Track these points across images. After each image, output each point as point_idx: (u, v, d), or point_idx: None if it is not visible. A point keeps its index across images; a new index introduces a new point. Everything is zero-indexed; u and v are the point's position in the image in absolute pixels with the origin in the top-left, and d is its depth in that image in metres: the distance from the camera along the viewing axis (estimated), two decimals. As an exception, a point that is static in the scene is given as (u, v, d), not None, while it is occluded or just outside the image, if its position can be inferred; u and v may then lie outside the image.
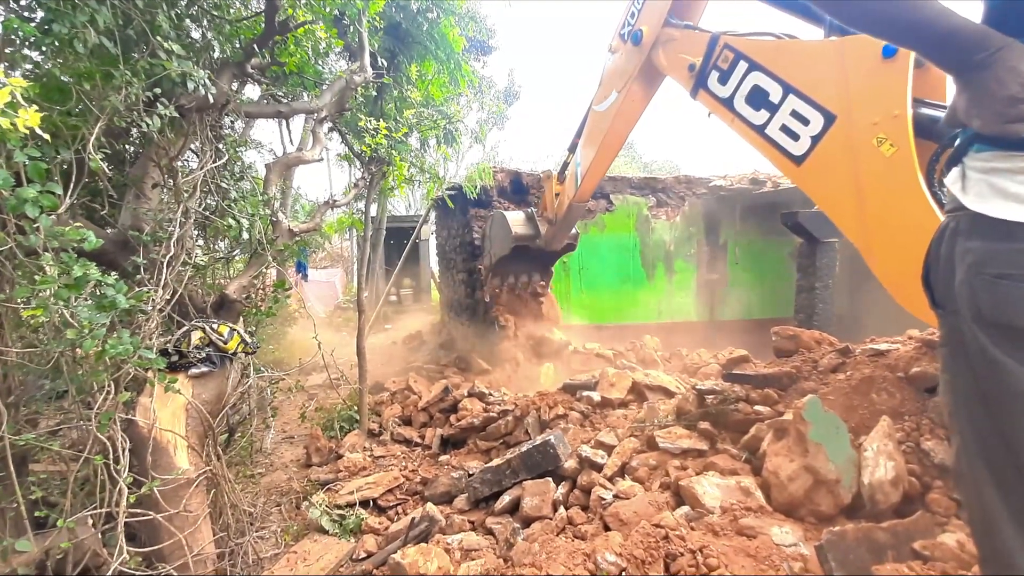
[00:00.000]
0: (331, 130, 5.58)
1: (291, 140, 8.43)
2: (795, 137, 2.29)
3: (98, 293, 2.07)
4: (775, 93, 2.36)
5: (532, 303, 6.49)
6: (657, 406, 3.35)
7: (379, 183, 5.29)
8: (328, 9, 3.91)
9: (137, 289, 2.30)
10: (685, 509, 2.32)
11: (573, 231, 5.54)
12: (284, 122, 7.81)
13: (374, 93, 5.00)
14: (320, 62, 4.82)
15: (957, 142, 0.94)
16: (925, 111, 1.93)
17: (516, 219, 5.73)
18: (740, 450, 2.62)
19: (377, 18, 4.75)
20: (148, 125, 2.37)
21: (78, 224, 1.79)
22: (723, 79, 2.61)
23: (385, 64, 4.72)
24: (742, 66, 2.51)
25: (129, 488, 2.20)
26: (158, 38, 2.35)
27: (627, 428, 3.24)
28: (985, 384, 0.85)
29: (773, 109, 2.37)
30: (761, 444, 2.49)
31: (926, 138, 1.91)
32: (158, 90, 2.38)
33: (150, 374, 2.41)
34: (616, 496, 2.61)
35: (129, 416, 2.50)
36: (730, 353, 4.88)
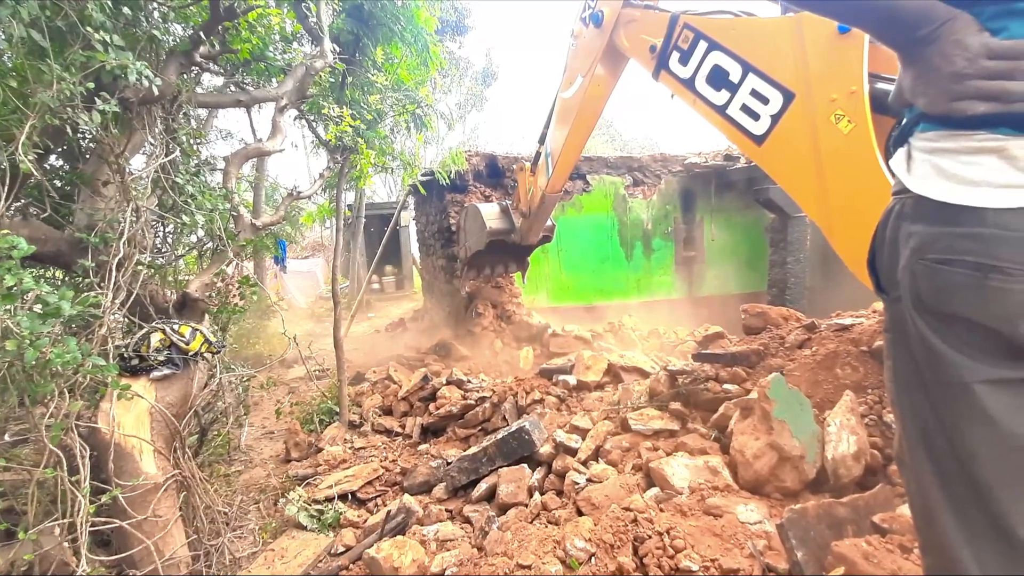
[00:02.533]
0: (297, 118, 5.43)
1: (253, 130, 8.23)
2: (755, 117, 2.26)
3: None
4: (735, 72, 2.33)
5: (504, 285, 6.47)
6: (631, 388, 3.37)
7: (348, 172, 5.17)
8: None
9: (84, 294, 2.21)
10: (655, 491, 2.34)
11: (549, 222, 5.40)
12: (249, 112, 7.61)
13: (333, 79, 4.84)
14: (284, 48, 4.67)
15: (904, 121, 0.91)
16: (882, 86, 1.91)
17: (490, 213, 5.56)
18: (709, 429, 2.64)
19: (336, 0, 4.58)
20: (86, 121, 2.25)
21: (5, 231, 1.70)
22: (684, 59, 2.57)
23: (339, 49, 4.56)
24: (702, 46, 2.47)
25: (93, 496, 2.16)
26: (89, 28, 2.23)
27: (601, 411, 3.25)
28: (925, 372, 0.83)
29: (733, 89, 2.34)
30: (729, 422, 2.51)
31: (884, 114, 1.90)
32: (91, 84, 2.26)
33: (110, 380, 2.35)
34: (589, 480, 2.63)
35: (91, 423, 2.44)
36: (706, 330, 4.92)
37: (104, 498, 2.16)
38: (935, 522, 0.84)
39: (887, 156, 1.89)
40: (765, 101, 2.22)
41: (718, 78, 2.41)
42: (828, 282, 6.14)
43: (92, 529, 2.12)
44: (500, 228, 5.45)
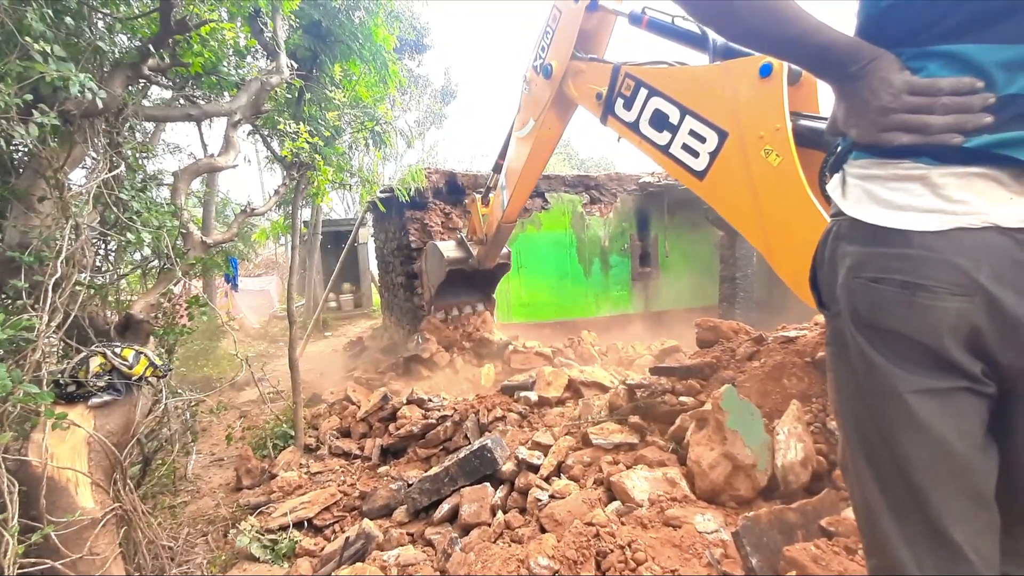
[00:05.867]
0: (251, 133, 5.30)
1: (204, 144, 7.98)
2: (695, 154, 2.45)
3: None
4: (674, 115, 2.54)
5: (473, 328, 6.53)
6: (592, 402, 3.41)
7: (305, 189, 5.08)
8: (236, 5, 3.70)
9: (16, 317, 2.07)
10: (616, 504, 2.37)
11: (505, 250, 5.71)
12: (200, 126, 7.37)
13: (290, 95, 4.77)
14: (238, 63, 4.56)
15: (838, 149, 0.97)
16: (804, 122, 2.12)
17: (447, 246, 5.92)
18: (667, 441, 2.71)
19: (293, 16, 4.54)
20: (22, 135, 2.14)
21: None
22: (627, 105, 2.79)
23: (295, 65, 4.51)
24: (643, 92, 2.69)
25: (22, 536, 2.00)
26: (27, 38, 2.13)
27: (563, 427, 3.28)
28: (864, 383, 0.88)
29: (674, 130, 2.54)
30: (686, 434, 2.58)
31: (811, 147, 2.08)
32: (30, 96, 2.15)
33: (43, 408, 2.20)
34: (552, 496, 2.64)
35: (20, 455, 2.27)
36: (662, 344, 5.06)
37: (35, 537, 2.00)
38: (877, 524, 0.88)
39: (821, 182, 2.05)
40: (703, 140, 2.42)
41: (660, 121, 2.62)
42: (774, 295, 6.45)
43: (20, 572, 1.96)
44: (457, 257, 5.75)
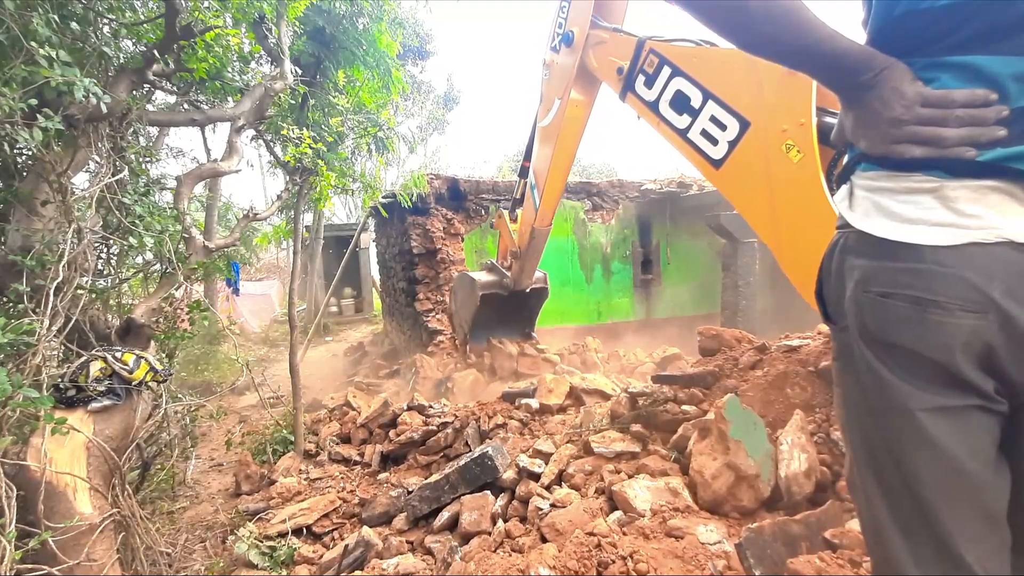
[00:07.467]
0: (254, 138, 5.32)
1: (207, 149, 8.01)
2: (714, 142, 2.37)
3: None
4: (696, 98, 2.45)
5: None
6: (593, 410, 3.39)
7: (308, 194, 5.09)
8: (240, 11, 3.72)
9: (17, 321, 2.07)
10: (618, 514, 2.35)
11: (540, 274, 5.31)
12: (204, 131, 7.40)
13: (294, 100, 4.79)
14: (242, 68, 4.59)
15: (845, 159, 0.96)
16: (829, 120, 2.03)
17: (478, 274, 5.55)
18: (669, 450, 2.69)
19: (297, 23, 4.57)
20: (27, 139, 2.14)
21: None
22: (649, 83, 2.69)
23: (299, 71, 4.53)
24: (666, 71, 2.59)
25: (19, 541, 1.99)
26: (33, 43, 2.14)
27: (564, 435, 3.26)
28: (873, 399, 0.86)
29: (694, 114, 2.45)
30: (688, 443, 2.56)
31: (830, 146, 2.02)
32: (35, 100, 2.16)
33: (43, 412, 2.19)
34: (553, 505, 2.61)
35: (19, 460, 2.26)
36: (664, 352, 5.04)
37: (32, 542, 1.99)
38: (885, 542, 0.87)
39: (828, 184, 2.03)
40: (723, 127, 2.34)
41: (680, 103, 2.52)
42: (777, 304, 6.43)
43: (16, 578, 1.95)
44: (491, 281, 5.33)
